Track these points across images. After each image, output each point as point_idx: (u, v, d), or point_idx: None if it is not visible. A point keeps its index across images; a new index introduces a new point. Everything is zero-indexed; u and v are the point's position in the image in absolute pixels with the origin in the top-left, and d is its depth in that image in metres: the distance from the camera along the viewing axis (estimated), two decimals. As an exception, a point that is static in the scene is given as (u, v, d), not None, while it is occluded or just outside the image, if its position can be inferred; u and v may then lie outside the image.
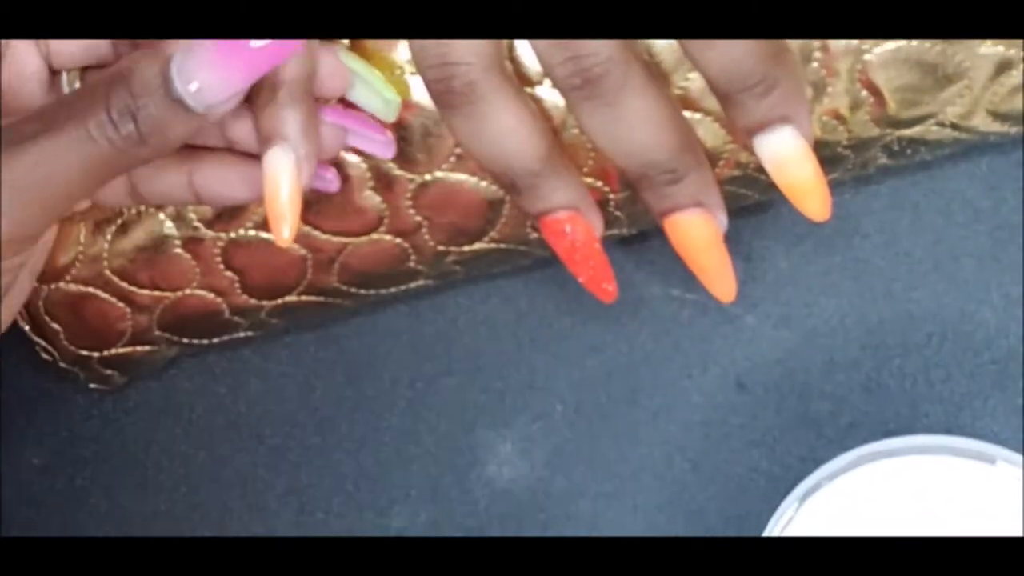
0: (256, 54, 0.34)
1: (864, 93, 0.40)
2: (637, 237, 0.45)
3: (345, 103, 0.40)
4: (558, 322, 0.47)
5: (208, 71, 0.34)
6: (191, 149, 0.38)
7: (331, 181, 0.41)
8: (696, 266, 0.38)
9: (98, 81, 0.35)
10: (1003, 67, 0.39)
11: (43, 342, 0.44)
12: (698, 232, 0.37)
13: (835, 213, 0.45)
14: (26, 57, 0.38)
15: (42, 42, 0.38)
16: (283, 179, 0.36)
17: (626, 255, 0.46)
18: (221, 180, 0.39)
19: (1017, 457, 0.40)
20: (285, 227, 0.36)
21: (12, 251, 0.36)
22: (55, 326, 0.43)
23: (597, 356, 0.47)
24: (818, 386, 0.45)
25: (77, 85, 0.39)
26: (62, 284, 0.42)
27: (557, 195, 0.38)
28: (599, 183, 0.41)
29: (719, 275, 0.38)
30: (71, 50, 0.38)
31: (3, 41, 0.38)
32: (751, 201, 0.43)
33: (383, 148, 0.40)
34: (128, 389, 0.48)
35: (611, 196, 0.42)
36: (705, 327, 0.46)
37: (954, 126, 0.41)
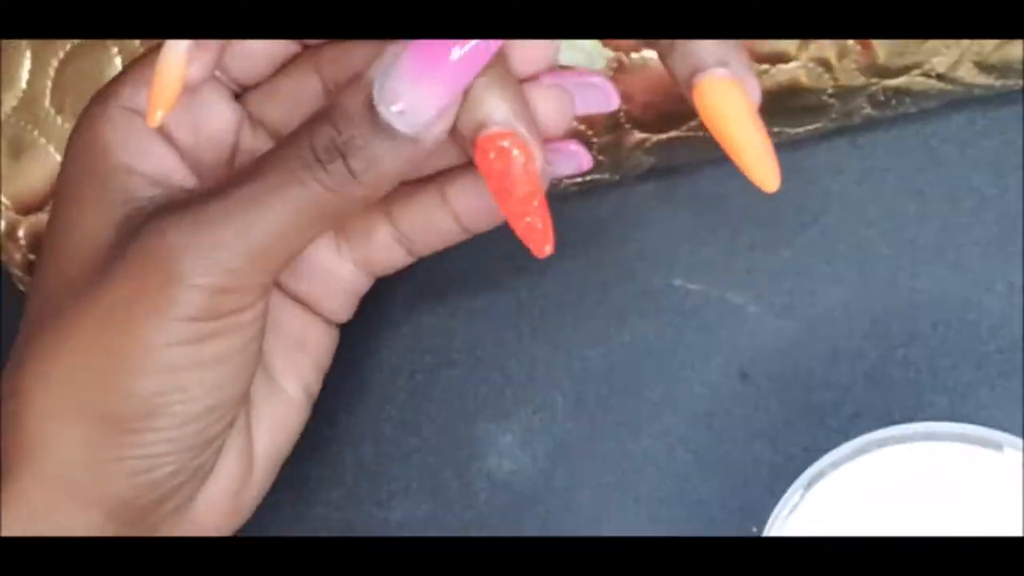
0: (457, 64, 0.32)
1: (852, 40, 0.40)
2: (637, 224, 0.45)
3: None
4: (559, 313, 0.46)
5: (411, 89, 0.32)
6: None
7: (578, 154, 0.37)
8: (729, 143, 0.34)
9: (301, 125, 0.33)
10: None
11: None
12: (727, 97, 0.33)
13: (839, 201, 0.45)
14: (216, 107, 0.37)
15: (224, 76, 0.37)
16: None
17: (626, 244, 0.46)
18: (478, 196, 0.37)
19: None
20: None
21: (230, 305, 0.34)
22: None
23: (598, 347, 0.46)
24: (822, 376, 0.45)
25: None
26: None
27: (488, 107, 0.34)
28: (582, 126, 0.41)
29: (757, 154, 0.34)
30: (253, 64, 0.37)
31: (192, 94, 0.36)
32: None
33: (606, 98, 0.37)
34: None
35: (594, 140, 0.41)
36: (707, 317, 0.46)
37: (940, 77, 0.41)
